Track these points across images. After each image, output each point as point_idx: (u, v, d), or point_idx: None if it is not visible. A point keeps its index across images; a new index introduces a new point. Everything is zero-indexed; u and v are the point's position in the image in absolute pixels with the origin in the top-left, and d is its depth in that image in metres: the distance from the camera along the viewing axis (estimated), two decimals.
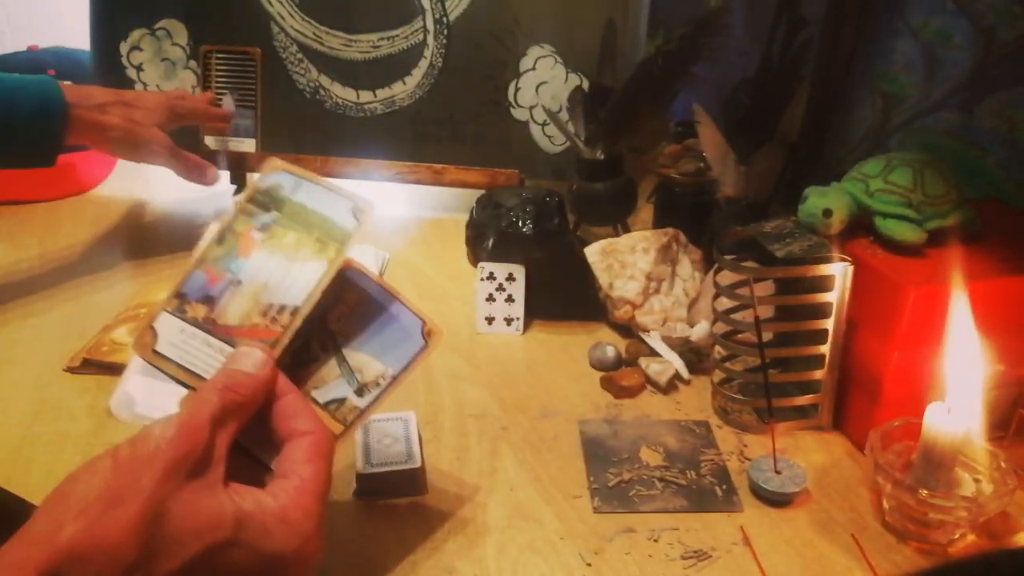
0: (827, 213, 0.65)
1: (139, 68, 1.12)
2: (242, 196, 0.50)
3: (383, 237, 1.03)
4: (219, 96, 1.10)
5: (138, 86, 1.13)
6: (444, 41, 1.05)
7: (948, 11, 0.81)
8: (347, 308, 0.48)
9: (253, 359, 0.43)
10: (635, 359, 0.77)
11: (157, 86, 1.13)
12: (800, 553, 0.56)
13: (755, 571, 0.55)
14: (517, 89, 1.05)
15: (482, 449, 0.66)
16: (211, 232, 0.49)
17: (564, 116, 1.03)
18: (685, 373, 0.75)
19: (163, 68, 1.12)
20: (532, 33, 1.03)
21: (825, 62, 0.93)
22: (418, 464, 0.61)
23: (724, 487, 0.62)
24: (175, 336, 0.46)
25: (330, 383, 0.46)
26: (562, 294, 0.84)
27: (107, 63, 1.12)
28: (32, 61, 1.18)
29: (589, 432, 0.68)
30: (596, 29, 1.00)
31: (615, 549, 0.56)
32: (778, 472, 0.62)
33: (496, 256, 0.83)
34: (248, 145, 1.11)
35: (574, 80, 1.04)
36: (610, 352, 0.77)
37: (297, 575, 0.40)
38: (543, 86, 1.05)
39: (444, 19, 1.04)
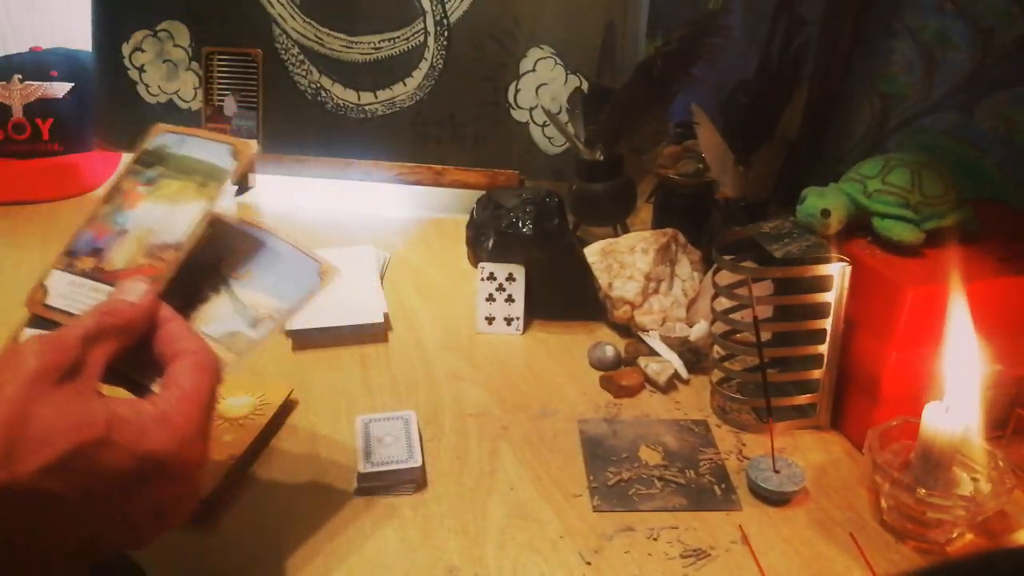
0: (825, 213, 0.65)
1: (141, 69, 1.13)
2: (129, 158, 0.54)
3: (384, 237, 1.03)
4: (221, 98, 1.11)
5: (140, 87, 1.13)
6: (444, 43, 1.05)
7: (947, 12, 0.81)
8: (242, 255, 0.49)
9: (135, 290, 0.44)
10: (634, 359, 0.77)
11: (159, 87, 1.13)
12: (799, 552, 0.57)
13: (754, 570, 0.55)
14: (517, 90, 1.06)
15: (482, 448, 0.66)
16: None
17: (564, 117, 1.03)
18: (684, 373, 0.75)
19: (165, 69, 1.12)
20: (532, 35, 1.03)
21: (824, 63, 0.93)
22: (418, 463, 0.61)
23: (723, 486, 0.63)
24: (65, 289, 0.49)
25: (222, 318, 0.47)
26: (562, 294, 0.84)
27: (109, 64, 1.13)
28: (35, 62, 1.18)
29: (589, 431, 0.69)
30: (596, 30, 1.00)
31: (615, 548, 0.57)
32: (777, 471, 0.62)
33: (496, 256, 0.83)
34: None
35: (574, 81, 1.04)
36: (609, 352, 0.77)
37: (178, 479, 0.41)
38: (543, 87, 1.05)
39: (444, 21, 1.04)
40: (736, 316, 0.69)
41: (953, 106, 0.82)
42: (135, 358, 0.43)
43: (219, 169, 0.51)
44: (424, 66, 1.07)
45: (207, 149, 0.53)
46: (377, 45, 1.07)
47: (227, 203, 1.17)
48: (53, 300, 0.48)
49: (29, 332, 0.47)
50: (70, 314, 0.47)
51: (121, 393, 0.43)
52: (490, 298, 0.83)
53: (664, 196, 0.98)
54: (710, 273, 0.76)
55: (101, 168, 1.20)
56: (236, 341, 0.47)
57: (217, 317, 0.47)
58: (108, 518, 0.39)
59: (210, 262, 0.48)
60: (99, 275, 0.48)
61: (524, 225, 0.81)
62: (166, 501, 0.41)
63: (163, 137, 0.54)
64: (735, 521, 0.59)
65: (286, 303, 0.48)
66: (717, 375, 0.73)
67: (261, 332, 0.47)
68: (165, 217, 0.50)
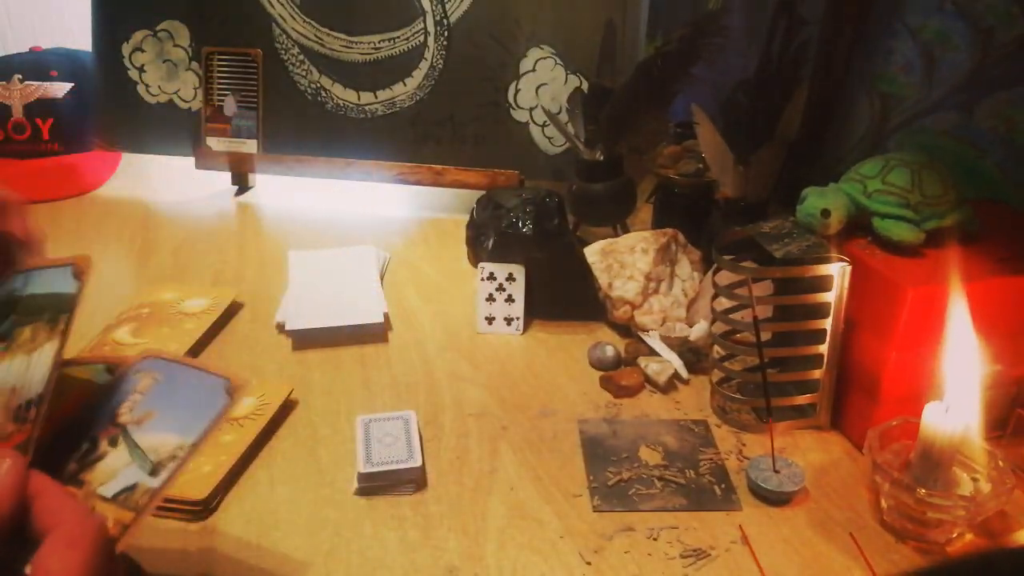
0: (825, 213, 0.65)
1: (141, 69, 1.13)
2: None
3: (384, 237, 1.03)
4: (221, 98, 1.11)
5: (140, 87, 1.13)
6: (444, 43, 1.05)
7: (947, 12, 0.81)
8: (139, 396, 0.46)
9: None
10: (634, 359, 0.77)
11: (159, 87, 1.13)
12: (798, 552, 0.57)
13: (754, 570, 0.55)
14: (517, 90, 1.06)
15: (482, 448, 0.66)
16: None
17: (564, 117, 1.03)
18: (684, 373, 0.75)
19: (165, 69, 1.12)
20: (532, 35, 1.03)
21: (824, 63, 0.93)
22: (418, 463, 0.61)
23: (723, 486, 0.63)
24: None
25: (119, 474, 0.43)
26: (562, 294, 0.84)
27: (109, 64, 1.13)
28: (35, 62, 1.19)
29: (589, 431, 0.69)
30: (596, 31, 1.00)
31: (615, 548, 0.57)
32: (777, 471, 0.62)
33: (496, 256, 0.83)
34: (250, 146, 1.11)
35: (574, 81, 1.04)
36: (609, 352, 0.77)
37: None
38: (543, 87, 1.05)
39: (444, 21, 1.04)
40: (736, 316, 0.69)
41: (953, 106, 0.82)
42: (9, 541, 0.39)
43: (63, 297, 0.48)
44: (424, 66, 1.07)
45: (49, 278, 0.49)
46: (377, 45, 1.07)
47: (227, 203, 1.17)
48: None
49: None
50: None
51: None
52: (490, 298, 0.83)
53: (664, 196, 0.98)
54: (710, 273, 0.76)
55: (101, 168, 1.20)
56: (134, 496, 0.42)
57: (115, 474, 0.43)
58: None
59: (108, 413, 0.45)
60: None
61: (524, 225, 0.81)
62: None
63: (11, 281, 0.49)
64: (735, 521, 0.59)
65: (191, 435, 0.44)
66: (717, 375, 0.73)
67: (163, 477, 0.43)
68: (23, 370, 0.45)
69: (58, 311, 0.47)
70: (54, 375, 0.45)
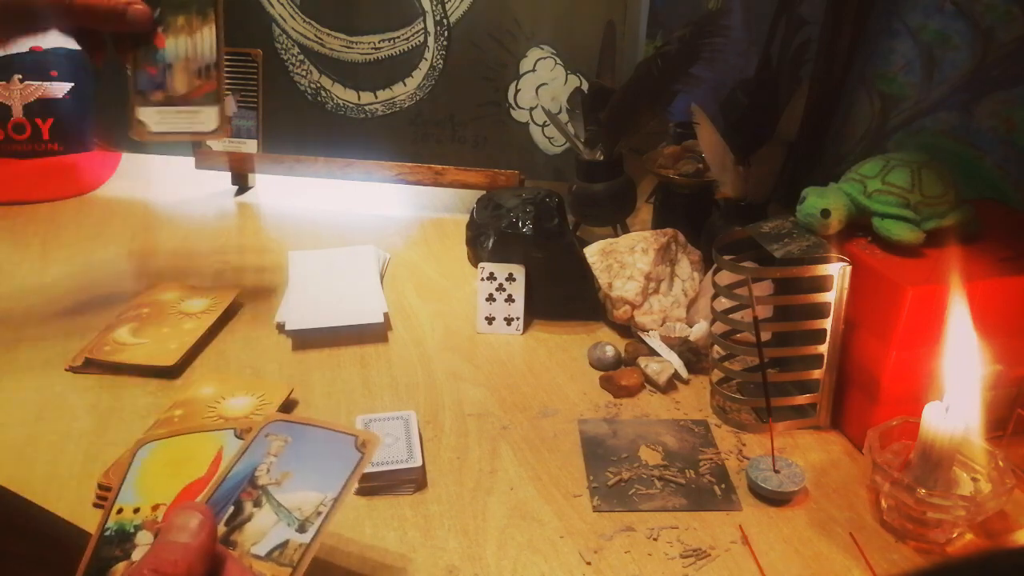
0: (825, 213, 0.65)
1: None
2: None
3: (384, 237, 1.03)
4: None
5: None
6: (444, 43, 1.05)
7: (947, 12, 0.81)
8: (274, 459, 0.49)
9: (188, 527, 0.40)
10: (634, 359, 0.77)
11: None
12: (799, 552, 0.57)
13: (754, 570, 0.55)
14: (517, 90, 1.06)
15: (482, 448, 0.66)
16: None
17: (564, 117, 1.03)
18: (684, 373, 0.75)
19: None
20: (532, 35, 1.03)
21: (824, 63, 0.93)
22: (418, 463, 0.61)
23: (723, 486, 0.63)
24: (157, 118, 0.69)
25: (269, 532, 0.45)
26: (562, 294, 0.84)
27: (109, 64, 1.12)
28: (35, 62, 1.18)
29: (588, 431, 0.69)
30: (596, 31, 1.00)
31: (615, 548, 0.57)
32: (777, 471, 0.62)
33: (496, 256, 0.83)
34: (250, 146, 1.11)
35: (574, 81, 1.04)
36: (609, 352, 0.77)
37: None
38: (543, 87, 1.05)
39: (444, 21, 1.04)
40: (736, 316, 0.69)
41: (953, 106, 0.82)
42: None
43: None
44: (424, 66, 1.07)
45: None
46: (377, 45, 1.07)
47: (227, 203, 1.17)
48: (156, 127, 0.69)
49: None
50: (175, 133, 0.68)
51: None
52: (490, 298, 0.83)
53: (664, 196, 0.98)
54: (710, 273, 0.76)
55: (101, 168, 1.20)
56: (286, 552, 0.45)
57: (264, 533, 0.45)
58: None
59: (245, 476, 0.48)
60: (173, 100, 0.69)
61: (524, 225, 0.81)
62: None
63: None
64: (735, 521, 0.59)
65: (332, 490, 0.47)
66: (717, 375, 0.73)
67: (311, 533, 0.45)
68: (191, 47, 0.67)
69: (204, 4, 0.69)
70: (222, 48, 0.69)
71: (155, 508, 0.48)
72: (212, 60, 0.71)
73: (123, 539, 0.46)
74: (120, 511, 0.47)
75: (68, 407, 0.70)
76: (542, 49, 1.04)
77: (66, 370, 0.74)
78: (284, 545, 0.45)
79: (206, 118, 0.73)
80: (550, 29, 1.03)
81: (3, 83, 1.14)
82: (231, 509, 0.46)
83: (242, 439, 0.51)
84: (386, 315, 0.83)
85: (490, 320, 0.84)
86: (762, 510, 0.60)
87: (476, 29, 1.04)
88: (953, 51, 0.81)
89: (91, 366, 0.74)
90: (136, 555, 0.46)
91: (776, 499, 0.61)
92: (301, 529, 0.45)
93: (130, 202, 1.14)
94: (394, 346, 0.81)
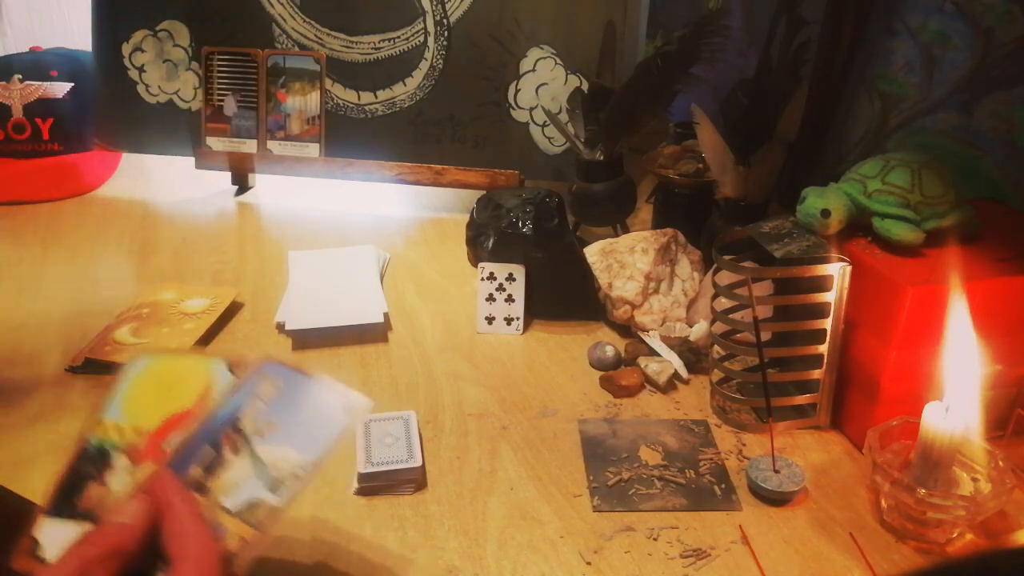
0: (825, 213, 0.65)
1: (141, 69, 1.13)
2: None
3: (384, 237, 1.03)
4: (221, 98, 1.11)
5: (140, 87, 1.13)
6: (444, 43, 1.05)
7: (947, 12, 0.81)
8: (262, 404, 0.46)
9: (122, 507, 0.41)
10: (634, 359, 0.77)
11: (159, 87, 1.13)
12: (799, 552, 0.57)
13: (754, 570, 0.55)
14: (517, 90, 1.06)
15: (482, 448, 0.66)
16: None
17: (564, 117, 1.03)
18: (684, 372, 0.75)
19: (165, 69, 1.12)
20: (532, 35, 1.03)
21: (824, 63, 0.93)
22: (418, 463, 0.61)
23: (723, 486, 0.63)
24: (277, 147, 0.96)
25: (242, 485, 0.44)
26: (562, 294, 0.84)
27: (109, 64, 1.13)
28: (35, 62, 1.19)
29: (588, 431, 0.69)
30: (596, 31, 1.00)
31: (615, 548, 0.57)
32: (776, 471, 0.62)
33: (496, 256, 0.83)
34: (249, 146, 1.11)
35: (574, 81, 1.04)
36: (609, 352, 0.77)
37: None
38: (543, 87, 1.05)
39: (445, 21, 1.04)
40: (736, 316, 0.69)
41: (953, 106, 0.82)
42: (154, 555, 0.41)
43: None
44: (424, 66, 1.07)
45: None
46: (377, 45, 1.07)
47: (227, 203, 1.17)
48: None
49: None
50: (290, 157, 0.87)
51: None
52: (490, 298, 0.83)
53: (664, 196, 0.98)
54: (710, 273, 0.76)
55: (101, 168, 1.20)
56: (256, 512, 0.43)
57: (237, 485, 0.44)
58: None
59: (229, 418, 0.45)
60: (290, 138, 0.99)
61: (524, 225, 0.81)
62: None
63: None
64: (735, 521, 0.59)
65: (311, 454, 0.45)
66: (717, 375, 0.73)
67: (283, 497, 0.44)
68: (304, 103, 0.94)
69: (313, 76, 0.92)
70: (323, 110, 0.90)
71: (137, 432, 0.46)
72: (316, 113, 1.06)
73: (101, 457, 0.45)
74: (103, 425, 0.46)
75: (68, 407, 0.70)
76: (542, 49, 1.04)
77: (66, 370, 0.74)
78: (255, 503, 0.44)
79: (311, 150, 1.08)
80: (550, 29, 1.03)
81: (3, 83, 1.14)
82: (210, 450, 0.45)
83: (233, 374, 0.48)
84: (386, 315, 0.83)
85: (490, 320, 0.84)
86: (762, 510, 0.60)
87: (476, 29, 1.04)
88: (953, 51, 0.81)
89: (91, 366, 0.74)
90: (110, 479, 0.45)
91: (776, 499, 0.61)
92: (274, 489, 0.44)
93: (130, 202, 1.14)
94: (394, 346, 0.81)
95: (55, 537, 0.43)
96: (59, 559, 0.39)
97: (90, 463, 0.45)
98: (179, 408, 0.47)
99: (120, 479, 0.45)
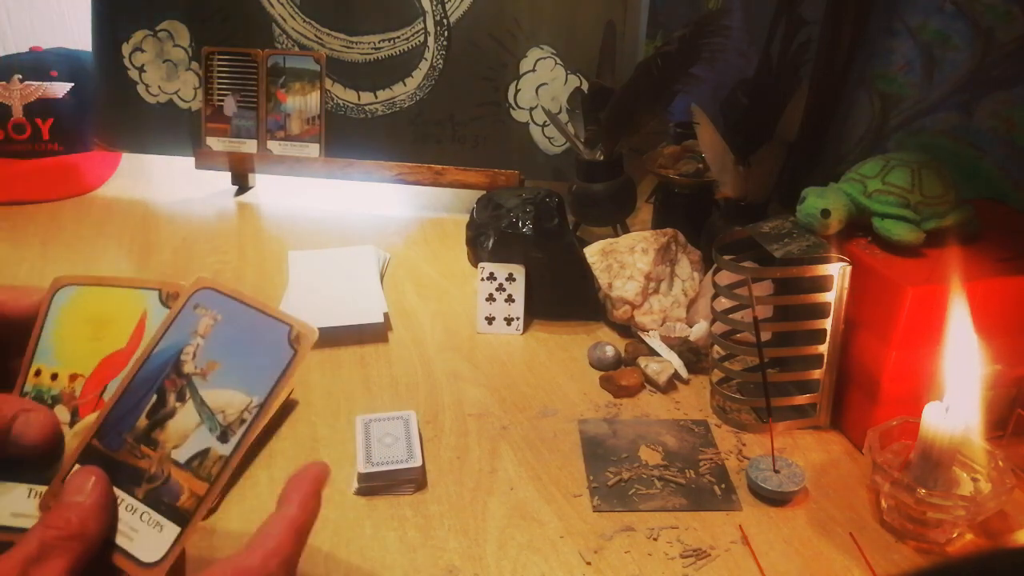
0: (825, 213, 0.65)
1: (141, 69, 1.13)
2: None
3: (384, 237, 1.03)
4: (221, 98, 1.11)
5: (140, 87, 1.13)
6: (444, 43, 1.05)
7: (947, 12, 0.81)
8: (202, 340, 0.43)
9: (83, 488, 0.39)
10: (634, 359, 0.77)
11: (159, 87, 1.13)
12: (799, 552, 0.57)
13: (754, 570, 0.55)
14: (517, 90, 1.06)
15: (482, 448, 0.66)
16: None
17: (564, 117, 1.03)
18: (684, 372, 0.75)
19: (165, 69, 1.12)
20: (532, 35, 1.03)
21: (824, 63, 0.93)
22: (418, 463, 0.61)
23: (723, 486, 0.63)
24: (276, 147, 0.95)
25: (191, 435, 0.41)
26: (562, 294, 0.84)
27: (109, 64, 1.13)
28: (35, 62, 1.18)
29: (588, 431, 0.69)
30: (596, 30, 1.00)
31: (615, 548, 0.57)
32: (777, 471, 0.62)
33: (496, 256, 0.83)
34: (249, 146, 1.11)
35: (574, 81, 1.04)
36: (609, 352, 0.77)
37: None
38: (543, 87, 1.05)
39: (444, 21, 1.04)
40: (736, 316, 0.69)
41: (953, 106, 0.82)
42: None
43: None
44: (424, 66, 1.07)
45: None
46: (377, 45, 1.07)
47: (227, 202, 1.17)
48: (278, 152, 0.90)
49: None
50: (290, 157, 0.89)
51: None
52: (490, 298, 0.83)
53: (664, 196, 0.98)
54: (710, 273, 0.76)
55: (101, 168, 1.20)
56: (206, 463, 0.41)
57: (186, 435, 0.41)
58: None
59: (170, 359, 0.42)
60: (290, 138, 0.99)
61: (524, 225, 0.81)
62: None
63: None
64: (735, 521, 0.59)
65: (257, 395, 0.41)
66: (717, 375, 0.73)
67: (232, 444, 0.41)
68: (303, 103, 0.94)
69: (313, 76, 0.94)
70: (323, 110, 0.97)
71: (73, 379, 0.44)
72: (316, 113, 1.06)
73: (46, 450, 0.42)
74: (38, 373, 0.44)
75: None
76: (542, 49, 1.04)
77: None
78: (204, 454, 0.41)
79: (311, 150, 1.09)
80: (550, 29, 1.03)
81: (3, 83, 1.14)
82: (154, 398, 0.41)
83: (166, 305, 0.45)
84: (386, 315, 0.83)
85: (490, 320, 0.84)
86: (762, 510, 0.60)
87: (476, 29, 1.04)
88: (953, 51, 0.81)
89: None
90: None
91: (776, 499, 0.61)
92: (223, 437, 0.41)
93: (130, 202, 1.14)
94: (394, 346, 0.81)
95: (2, 502, 0.41)
96: (13, 547, 0.36)
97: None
98: (113, 348, 0.44)
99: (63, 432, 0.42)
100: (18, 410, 0.41)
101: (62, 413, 0.43)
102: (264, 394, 0.41)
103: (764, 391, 0.64)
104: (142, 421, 0.41)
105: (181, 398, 0.42)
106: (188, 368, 0.42)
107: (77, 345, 0.44)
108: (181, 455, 0.41)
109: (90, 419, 0.42)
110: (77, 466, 0.41)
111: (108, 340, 0.44)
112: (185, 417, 0.41)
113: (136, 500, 0.40)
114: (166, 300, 0.44)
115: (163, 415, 0.41)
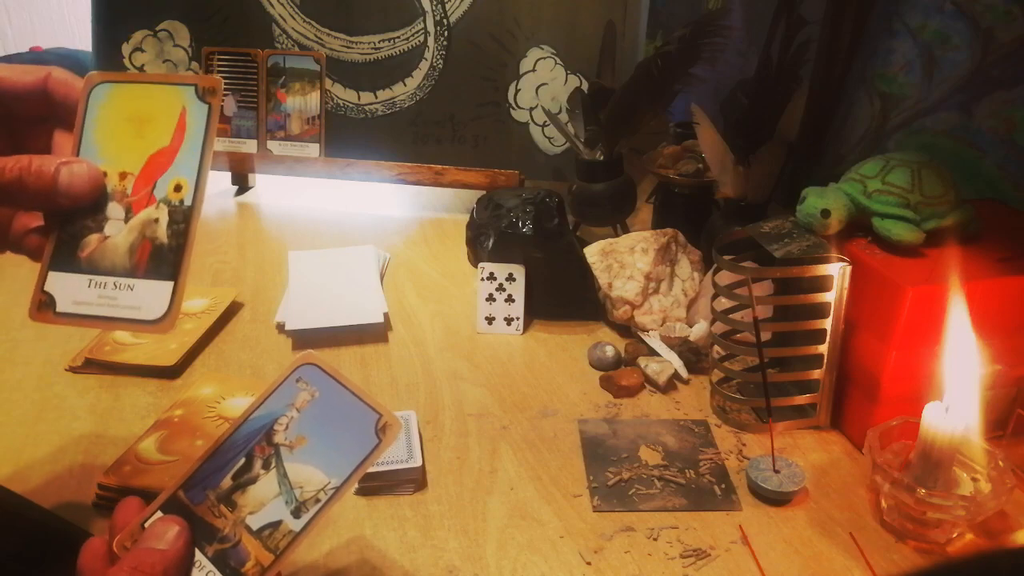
0: (825, 213, 0.65)
1: (141, 69, 1.13)
2: None
3: (384, 237, 1.03)
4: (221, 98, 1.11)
5: None
6: (444, 43, 1.05)
7: (946, 12, 0.81)
8: (297, 413, 0.44)
9: (166, 537, 0.40)
10: (634, 359, 0.77)
11: None
12: (799, 552, 0.57)
13: (754, 570, 0.55)
14: (517, 90, 1.06)
15: (482, 448, 0.66)
16: None
17: (564, 117, 1.03)
18: (684, 373, 0.75)
19: (165, 69, 1.12)
20: (532, 35, 1.03)
21: (824, 63, 0.93)
22: (418, 463, 0.61)
23: (723, 486, 0.63)
24: (277, 147, 0.87)
25: (268, 504, 0.42)
26: (562, 294, 0.84)
27: (109, 64, 1.13)
28: (35, 62, 1.18)
29: (588, 431, 0.69)
30: (596, 31, 1.00)
31: (615, 548, 0.57)
32: (777, 471, 0.62)
33: (496, 256, 0.83)
34: (249, 146, 1.11)
35: (574, 81, 1.04)
36: (609, 352, 0.77)
37: None
38: (543, 87, 1.05)
39: (444, 21, 1.04)
40: (736, 316, 0.69)
41: (953, 106, 0.82)
42: None
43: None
44: (424, 66, 1.07)
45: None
46: (377, 45, 1.07)
47: (227, 203, 1.17)
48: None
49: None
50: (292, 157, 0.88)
51: None
52: (490, 298, 0.83)
53: (664, 196, 0.98)
54: (710, 273, 0.76)
55: None
56: (276, 535, 0.42)
57: (263, 504, 0.42)
58: None
59: (265, 426, 0.43)
60: (290, 138, 0.96)
61: (524, 225, 0.81)
62: None
63: None
64: (735, 521, 0.59)
65: (335, 478, 0.43)
66: (717, 375, 0.73)
67: (304, 521, 0.42)
68: (304, 103, 0.97)
69: (313, 76, 0.94)
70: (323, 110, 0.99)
71: (123, 177, 0.44)
72: (316, 113, 1.05)
73: (95, 208, 0.44)
74: None
75: (68, 407, 0.70)
76: (542, 49, 1.04)
77: (66, 370, 0.74)
78: (276, 525, 0.42)
79: (311, 151, 1.08)
80: (550, 29, 1.03)
81: None
82: (242, 461, 0.43)
83: (205, 101, 0.45)
84: (386, 315, 0.83)
85: (490, 320, 0.84)
86: (762, 510, 0.60)
87: (476, 29, 1.04)
88: (953, 51, 0.81)
89: (91, 366, 0.74)
90: (108, 228, 0.44)
91: (776, 499, 0.61)
92: (296, 512, 0.42)
93: None
94: (394, 346, 0.81)
95: (65, 290, 0.45)
96: None
97: (85, 214, 0.44)
98: (157, 146, 0.44)
99: (116, 227, 0.44)
100: (59, 163, 0.43)
101: (115, 210, 0.44)
102: (342, 478, 0.43)
103: (764, 391, 0.64)
104: (227, 481, 0.43)
105: (267, 466, 0.43)
106: (279, 438, 0.44)
107: (122, 143, 0.45)
108: (255, 522, 0.42)
109: (150, 213, 0.43)
110: (159, 513, 0.42)
111: (152, 138, 0.45)
112: (266, 485, 0.43)
113: (205, 557, 0.41)
114: (203, 95, 0.45)
115: (247, 479, 0.43)
